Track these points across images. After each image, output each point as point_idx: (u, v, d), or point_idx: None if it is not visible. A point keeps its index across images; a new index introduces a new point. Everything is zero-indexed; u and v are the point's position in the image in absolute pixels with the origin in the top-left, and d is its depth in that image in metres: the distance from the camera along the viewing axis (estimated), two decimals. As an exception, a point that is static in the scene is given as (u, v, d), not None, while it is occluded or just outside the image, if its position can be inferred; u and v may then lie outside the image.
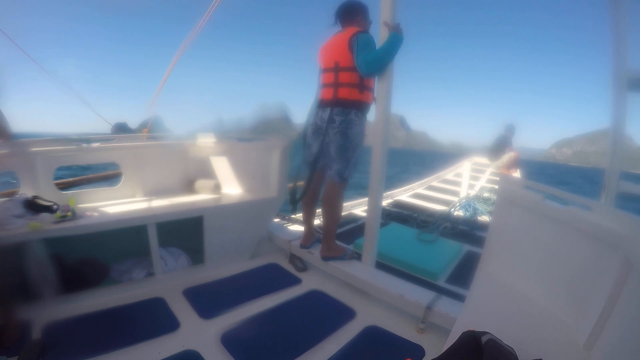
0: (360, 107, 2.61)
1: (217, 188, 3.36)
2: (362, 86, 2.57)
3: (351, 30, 2.56)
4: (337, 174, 2.66)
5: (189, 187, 3.44)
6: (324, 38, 2.77)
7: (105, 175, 5.40)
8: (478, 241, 3.71)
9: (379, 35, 2.52)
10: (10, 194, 3.44)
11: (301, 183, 2.90)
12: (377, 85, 2.57)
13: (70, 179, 5.22)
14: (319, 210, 3.02)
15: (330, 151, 2.67)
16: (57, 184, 2.90)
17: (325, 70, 2.68)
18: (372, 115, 2.71)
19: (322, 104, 2.71)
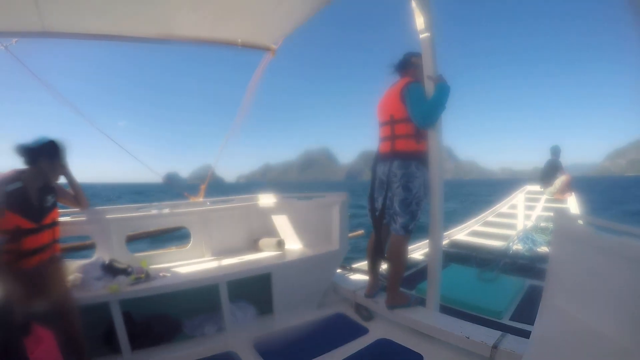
0: (419, 157, 2.64)
1: (280, 245, 3.48)
2: (419, 136, 2.62)
3: (403, 81, 2.66)
4: (401, 227, 2.69)
5: (253, 245, 3.60)
6: (382, 92, 2.87)
7: (167, 230, 5.66)
8: (539, 274, 3.65)
9: (425, 89, 2.61)
10: (86, 246, 3.71)
11: (357, 233, 2.98)
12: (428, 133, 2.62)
13: (135, 233, 5.52)
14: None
15: (395, 205, 2.71)
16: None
17: (383, 123, 2.78)
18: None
19: (382, 158, 2.78)
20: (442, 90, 2.49)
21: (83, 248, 3.85)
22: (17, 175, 2.29)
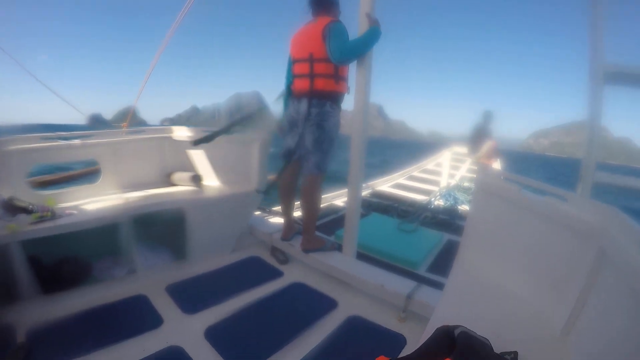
0: (335, 98, 2.63)
1: (197, 180, 3.32)
2: (338, 77, 2.59)
3: (324, 20, 2.56)
4: (315, 166, 2.67)
5: (167, 180, 3.41)
6: (295, 28, 2.77)
7: (84, 172, 5.30)
8: (458, 230, 3.76)
9: (358, 27, 2.54)
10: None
11: (274, 176, 2.93)
12: (357, 75, 2.58)
13: (48, 177, 5.11)
14: (297, 203, 3.05)
15: (307, 143, 2.67)
16: (33, 182, 2.84)
17: (299, 60, 2.67)
18: (349, 104, 2.73)
19: (296, 95, 2.71)
20: (374, 34, 2.44)
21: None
22: None
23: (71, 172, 5.37)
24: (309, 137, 2.64)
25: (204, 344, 2.05)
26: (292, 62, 2.74)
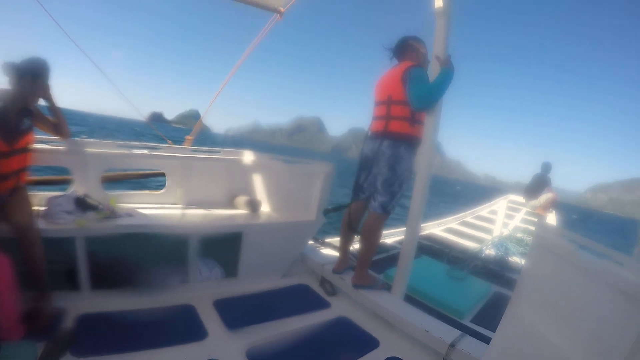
0: (410, 141, 2.63)
1: (257, 205, 3.41)
2: (414, 120, 2.60)
3: (405, 64, 2.62)
4: (380, 206, 2.70)
5: (230, 201, 3.53)
6: (381, 72, 2.84)
7: (146, 174, 5.53)
8: (507, 282, 3.66)
9: (431, 69, 2.59)
10: (63, 181, 3.61)
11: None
12: (425, 114, 2.59)
13: (112, 174, 5.37)
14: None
15: (377, 183, 2.70)
16: (102, 178, 3.04)
17: (379, 103, 2.74)
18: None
19: (373, 136, 2.77)
20: (446, 75, 2.45)
21: (60, 182, 3.75)
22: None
23: (135, 172, 5.60)
24: (380, 177, 2.67)
25: None
26: (374, 104, 2.81)
